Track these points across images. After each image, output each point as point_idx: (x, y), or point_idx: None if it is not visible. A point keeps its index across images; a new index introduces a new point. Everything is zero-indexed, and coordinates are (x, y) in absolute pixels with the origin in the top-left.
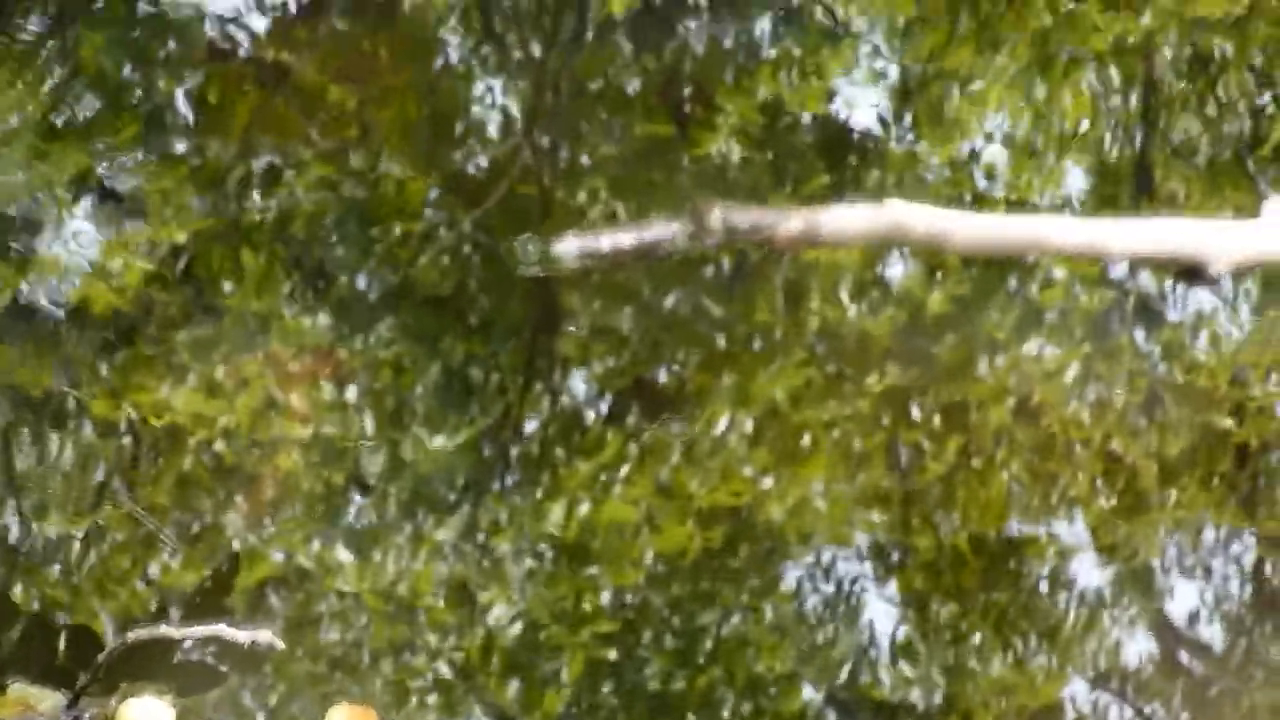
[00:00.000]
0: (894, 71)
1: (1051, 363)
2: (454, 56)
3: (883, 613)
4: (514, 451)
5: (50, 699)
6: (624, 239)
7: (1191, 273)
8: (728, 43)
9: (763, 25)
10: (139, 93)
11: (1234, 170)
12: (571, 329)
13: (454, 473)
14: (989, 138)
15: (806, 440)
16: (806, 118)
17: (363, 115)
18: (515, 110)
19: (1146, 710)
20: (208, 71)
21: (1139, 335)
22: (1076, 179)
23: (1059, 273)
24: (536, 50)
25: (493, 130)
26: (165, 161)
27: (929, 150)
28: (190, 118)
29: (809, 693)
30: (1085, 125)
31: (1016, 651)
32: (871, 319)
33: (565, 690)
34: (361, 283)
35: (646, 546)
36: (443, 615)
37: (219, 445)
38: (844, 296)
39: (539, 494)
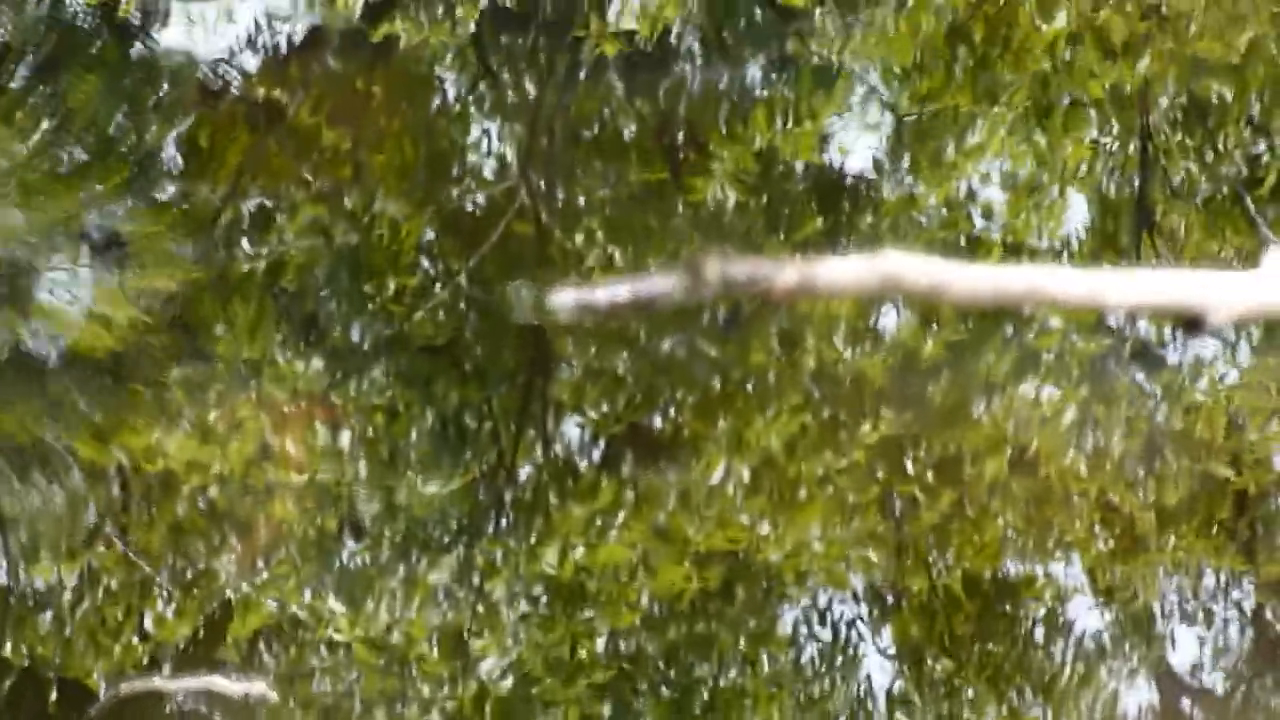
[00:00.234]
0: (889, 116)
1: (1048, 408)
2: (450, 95)
3: (878, 665)
4: (508, 496)
5: None
6: (620, 292)
7: (1191, 324)
8: (721, 85)
9: (754, 73)
10: (130, 139)
11: (1233, 210)
12: (565, 374)
13: (448, 517)
14: (985, 178)
15: (803, 492)
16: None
17: (356, 156)
18: (510, 153)
19: None
20: (198, 115)
21: (1139, 377)
22: (1077, 215)
23: (1055, 321)
24: (531, 89)
25: (488, 172)
26: (154, 209)
27: (926, 192)
28: (180, 162)
29: None
30: (1084, 169)
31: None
32: (867, 363)
33: None
34: (355, 333)
35: (643, 588)
36: (435, 666)
37: (213, 490)
38: (839, 342)
39: (534, 538)
